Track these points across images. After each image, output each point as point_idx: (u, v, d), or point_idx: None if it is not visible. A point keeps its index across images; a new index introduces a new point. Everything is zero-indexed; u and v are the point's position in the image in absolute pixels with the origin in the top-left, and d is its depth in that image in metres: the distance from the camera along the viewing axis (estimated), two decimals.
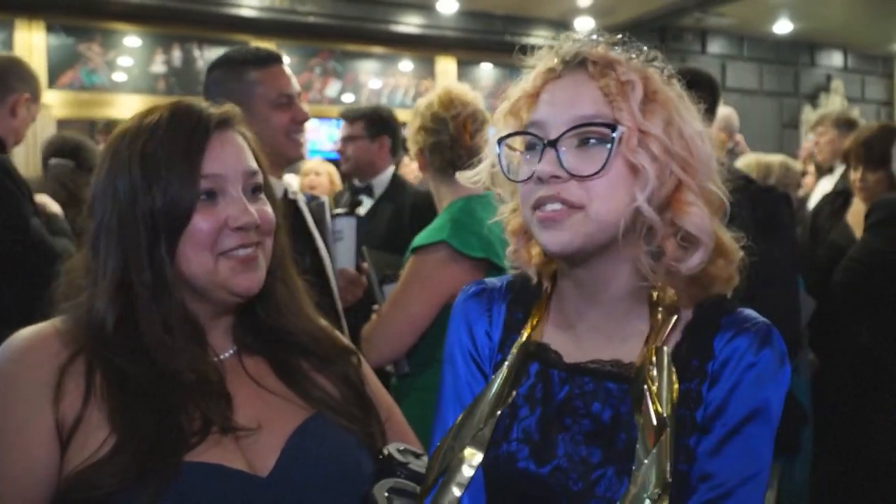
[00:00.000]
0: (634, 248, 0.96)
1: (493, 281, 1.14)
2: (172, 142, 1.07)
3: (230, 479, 1.00)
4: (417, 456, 1.15)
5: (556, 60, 0.99)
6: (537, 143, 0.96)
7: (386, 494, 1.06)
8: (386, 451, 1.15)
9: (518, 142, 1.03)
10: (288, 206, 1.93)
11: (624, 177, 0.93)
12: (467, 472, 0.99)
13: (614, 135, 0.92)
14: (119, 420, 0.98)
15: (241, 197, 1.10)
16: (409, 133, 2.20)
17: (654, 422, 0.91)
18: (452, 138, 2.05)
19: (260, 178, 1.14)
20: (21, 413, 0.99)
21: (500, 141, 1.02)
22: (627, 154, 0.92)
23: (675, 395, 0.93)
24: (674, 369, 0.94)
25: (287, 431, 1.08)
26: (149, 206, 1.05)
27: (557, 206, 0.93)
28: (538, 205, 0.95)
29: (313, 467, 1.07)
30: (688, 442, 0.94)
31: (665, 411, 0.91)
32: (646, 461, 0.89)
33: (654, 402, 0.92)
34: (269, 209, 1.15)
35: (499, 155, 1.02)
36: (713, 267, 0.97)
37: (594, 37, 1.00)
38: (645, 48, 1.00)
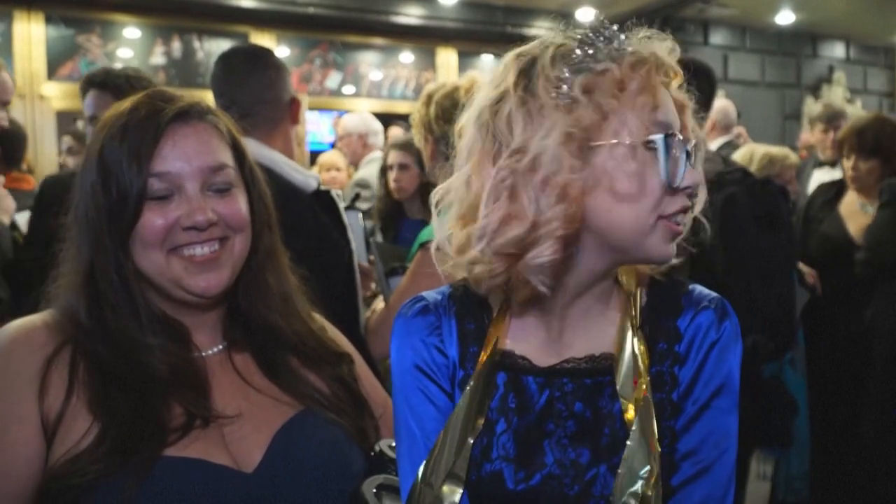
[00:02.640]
0: None
1: (432, 294, 1.05)
2: (125, 140, 1.05)
3: (214, 473, 0.99)
4: None
5: (660, 57, 0.91)
6: (681, 147, 0.89)
7: (374, 491, 1.05)
8: (377, 448, 1.15)
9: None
10: (320, 199, 1.91)
11: None
12: None
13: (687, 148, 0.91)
14: (99, 408, 0.98)
15: (198, 194, 1.07)
16: (415, 121, 2.14)
17: (637, 402, 0.91)
18: None
19: (227, 174, 1.10)
20: (7, 409, 0.99)
21: (667, 138, 0.87)
22: None
23: (646, 371, 0.93)
24: (644, 348, 0.94)
25: (274, 428, 1.08)
26: (105, 203, 1.05)
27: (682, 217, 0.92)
28: (674, 214, 0.90)
29: (300, 463, 1.06)
30: (669, 424, 0.94)
31: (640, 394, 0.91)
32: (630, 443, 0.89)
33: (634, 385, 0.92)
34: (237, 205, 1.11)
35: (667, 153, 0.87)
36: None
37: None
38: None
